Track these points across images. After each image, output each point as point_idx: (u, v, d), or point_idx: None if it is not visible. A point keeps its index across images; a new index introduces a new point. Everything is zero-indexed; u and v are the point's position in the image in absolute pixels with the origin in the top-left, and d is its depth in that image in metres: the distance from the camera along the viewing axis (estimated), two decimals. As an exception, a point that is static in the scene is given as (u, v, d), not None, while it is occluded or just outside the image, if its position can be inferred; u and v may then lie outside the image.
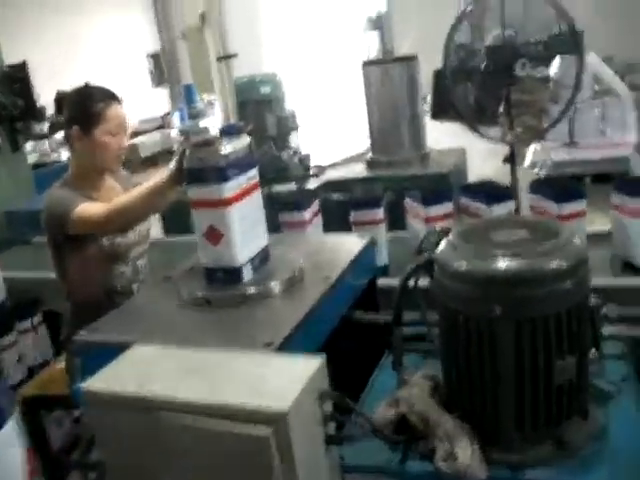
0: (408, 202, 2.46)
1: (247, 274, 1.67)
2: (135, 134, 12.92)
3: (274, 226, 2.57)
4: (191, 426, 1.14)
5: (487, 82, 3.26)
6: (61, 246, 2.25)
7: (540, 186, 2.30)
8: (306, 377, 1.21)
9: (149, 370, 1.31)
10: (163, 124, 13.88)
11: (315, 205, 2.55)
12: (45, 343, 3.27)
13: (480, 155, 4.96)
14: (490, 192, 2.26)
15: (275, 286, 1.66)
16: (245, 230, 1.66)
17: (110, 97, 2.27)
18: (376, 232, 2.36)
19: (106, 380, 1.29)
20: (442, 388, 1.48)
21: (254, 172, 1.70)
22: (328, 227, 2.66)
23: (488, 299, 1.22)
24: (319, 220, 2.57)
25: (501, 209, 2.22)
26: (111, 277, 2.31)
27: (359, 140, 4.65)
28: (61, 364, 2.54)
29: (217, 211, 1.61)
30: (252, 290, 1.64)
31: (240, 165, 1.64)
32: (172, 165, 1.88)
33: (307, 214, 2.45)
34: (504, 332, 1.23)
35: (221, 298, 1.65)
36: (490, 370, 1.27)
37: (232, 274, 1.65)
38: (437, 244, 1.71)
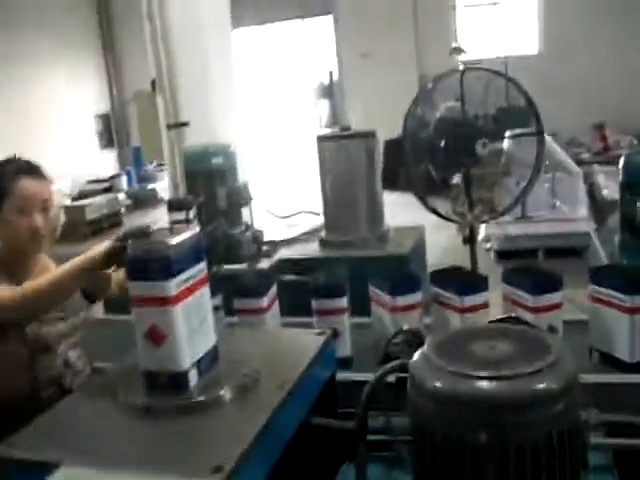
0: (372, 290, 2.32)
1: (193, 379, 1.49)
2: (82, 196, 12.69)
3: (227, 309, 2.42)
4: None
5: (442, 157, 3.19)
6: None
7: (514, 275, 2.19)
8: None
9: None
10: (110, 186, 13.68)
11: (273, 290, 2.39)
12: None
13: (433, 226, 4.89)
14: (462, 281, 2.15)
15: (225, 394, 1.47)
16: (192, 330, 1.48)
17: (23, 171, 2.08)
18: (339, 322, 2.22)
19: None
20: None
21: (202, 265, 1.53)
22: (285, 310, 2.50)
23: (472, 424, 1.08)
24: (276, 306, 2.42)
25: (475, 300, 2.10)
26: (36, 370, 2.08)
27: (313, 215, 4.53)
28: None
29: (161, 309, 1.43)
30: (199, 398, 1.46)
31: (188, 257, 1.48)
32: (107, 244, 1.75)
33: (265, 301, 2.30)
34: (489, 460, 1.08)
35: (163, 407, 1.45)
36: (471, 503, 1.12)
37: (177, 379, 1.47)
38: (406, 346, 1.57)
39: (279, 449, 1.45)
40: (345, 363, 2.24)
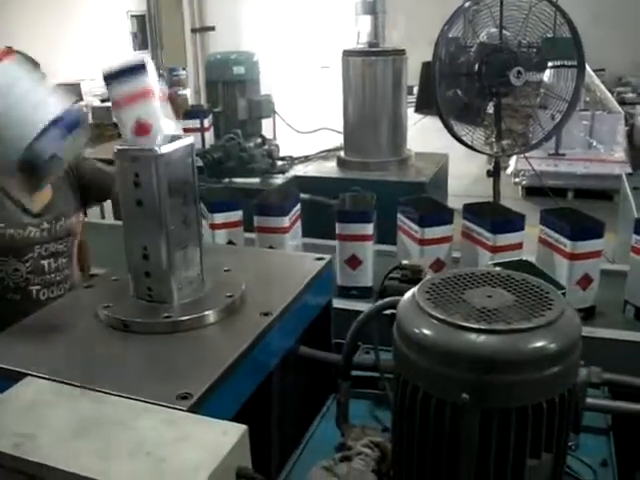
0: (401, 218, 2.21)
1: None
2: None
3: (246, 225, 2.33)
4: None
5: (474, 83, 3.02)
6: None
7: (553, 218, 2.05)
8: (221, 453, 0.98)
9: (36, 419, 1.07)
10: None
11: (297, 209, 2.29)
12: None
13: (464, 154, 4.73)
14: (498, 218, 2.04)
15: (207, 316, 1.40)
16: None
17: None
18: (363, 249, 2.13)
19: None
20: (390, 457, 1.25)
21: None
22: (304, 230, 2.42)
23: (454, 381, 0.98)
24: (298, 227, 2.32)
25: (508, 239, 2.00)
26: (2, 271, 2.00)
27: (336, 133, 4.36)
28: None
29: (143, 103, 1.43)
30: (179, 318, 1.39)
31: None
32: None
33: (287, 220, 2.20)
34: (470, 421, 0.99)
35: (142, 324, 1.39)
36: (448, 463, 1.03)
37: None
38: (403, 282, 1.48)
39: (258, 379, 1.38)
40: (365, 293, 2.16)
